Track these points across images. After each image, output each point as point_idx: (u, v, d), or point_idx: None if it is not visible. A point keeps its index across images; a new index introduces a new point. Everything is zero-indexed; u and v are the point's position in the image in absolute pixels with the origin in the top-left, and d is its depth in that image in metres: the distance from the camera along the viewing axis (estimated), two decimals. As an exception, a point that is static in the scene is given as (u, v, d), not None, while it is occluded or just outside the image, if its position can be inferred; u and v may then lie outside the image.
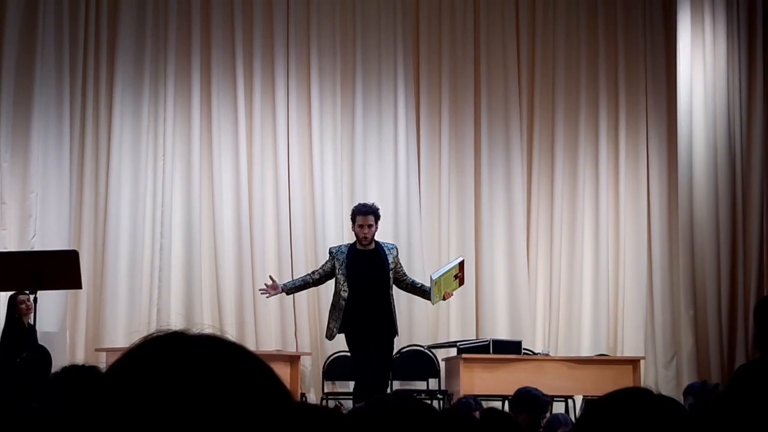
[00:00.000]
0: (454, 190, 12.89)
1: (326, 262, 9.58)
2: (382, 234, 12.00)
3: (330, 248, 9.83)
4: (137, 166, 12.17)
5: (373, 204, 9.66)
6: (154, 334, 1.20)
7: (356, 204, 9.78)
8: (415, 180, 12.76)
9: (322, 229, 12.38)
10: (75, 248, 10.74)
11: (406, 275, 9.66)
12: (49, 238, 11.54)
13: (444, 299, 9.61)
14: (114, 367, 1.17)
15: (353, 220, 9.45)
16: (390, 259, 9.43)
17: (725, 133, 12.31)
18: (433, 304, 9.75)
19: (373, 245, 9.45)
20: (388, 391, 9.91)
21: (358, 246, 9.43)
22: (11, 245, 11.35)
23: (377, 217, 9.49)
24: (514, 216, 12.90)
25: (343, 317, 9.24)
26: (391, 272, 9.39)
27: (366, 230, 9.34)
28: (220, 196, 12.29)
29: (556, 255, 12.98)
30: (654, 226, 13.10)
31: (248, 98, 12.55)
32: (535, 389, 7.20)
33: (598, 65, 13.31)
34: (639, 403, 1.99)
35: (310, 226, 12.44)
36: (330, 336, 9.48)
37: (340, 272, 9.33)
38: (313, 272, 9.74)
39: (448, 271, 9.57)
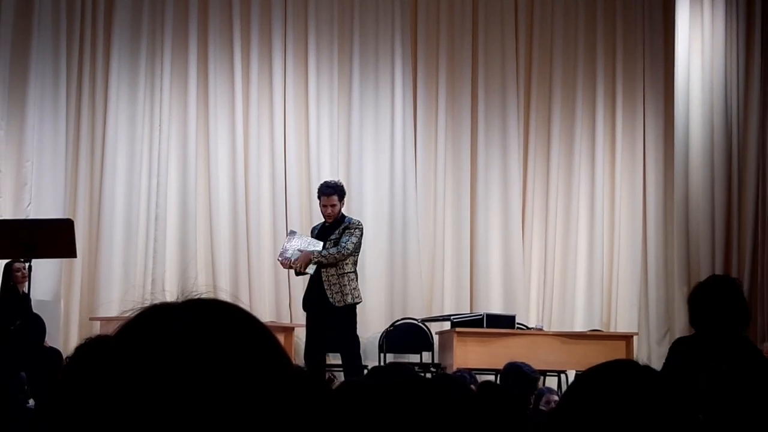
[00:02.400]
0: (450, 165, 12.88)
1: None
2: (378, 209, 12.06)
3: (313, 227, 10.26)
4: (133, 135, 12.16)
5: (337, 182, 9.98)
6: (142, 308, 1.20)
7: (320, 183, 10.09)
8: (411, 153, 12.75)
9: (316, 200, 12.35)
10: (70, 217, 10.74)
11: (340, 245, 9.71)
12: (44, 207, 11.53)
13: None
14: (113, 339, 1.17)
15: (319, 199, 9.84)
16: (337, 232, 9.72)
17: (722, 110, 12.31)
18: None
19: (334, 222, 9.83)
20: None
21: (326, 223, 9.87)
22: (6, 213, 11.34)
23: (341, 196, 9.81)
24: (509, 190, 12.90)
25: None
26: (328, 243, 9.66)
27: (329, 210, 9.76)
28: (216, 166, 12.28)
29: (551, 230, 12.99)
30: (649, 202, 13.10)
31: (245, 69, 12.52)
32: (525, 365, 7.20)
33: (595, 42, 13.29)
34: (625, 375, 2.00)
35: (306, 198, 12.43)
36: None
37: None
38: None
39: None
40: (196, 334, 1.14)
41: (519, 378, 6.95)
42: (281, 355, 1.19)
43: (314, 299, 9.73)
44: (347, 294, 9.66)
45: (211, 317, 1.18)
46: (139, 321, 1.17)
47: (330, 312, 9.62)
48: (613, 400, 1.96)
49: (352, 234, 9.75)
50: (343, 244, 9.66)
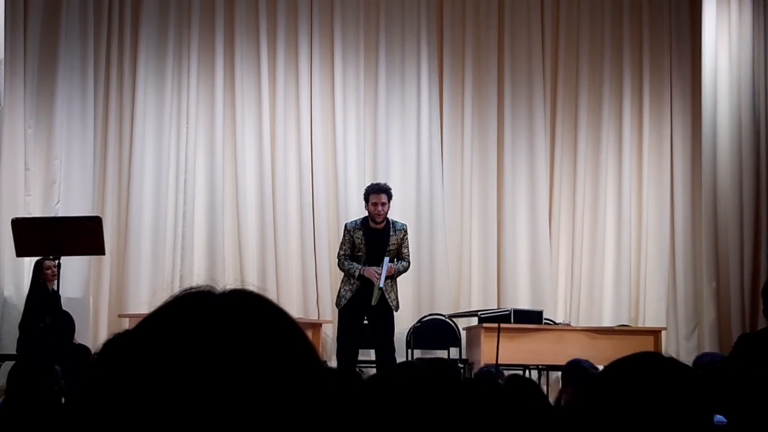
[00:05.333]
0: (477, 160, 12.87)
1: (347, 239, 10.03)
2: (405, 204, 12.05)
3: (345, 224, 10.28)
4: (161, 133, 12.20)
5: (385, 183, 10.06)
6: (182, 293, 1.20)
7: (369, 184, 10.19)
8: (437, 149, 12.74)
9: (344, 196, 12.39)
10: (99, 214, 10.78)
11: (404, 258, 10.03)
12: (73, 204, 11.58)
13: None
14: (141, 326, 1.17)
15: (366, 199, 9.91)
16: (393, 240, 9.89)
17: (749, 104, 12.23)
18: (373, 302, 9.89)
19: (383, 224, 9.93)
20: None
21: (371, 223, 9.88)
22: (35, 211, 11.40)
23: (389, 196, 9.95)
24: (536, 185, 12.87)
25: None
26: (389, 253, 9.89)
27: (379, 208, 9.83)
28: (243, 163, 12.31)
29: (578, 225, 12.96)
30: (677, 197, 13.05)
31: (271, 66, 12.54)
32: (585, 361, 7.16)
33: (622, 36, 13.24)
34: (651, 367, 2.01)
35: (333, 193, 12.45)
36: (340, 303, 10.01)
37: (362, 244, 9.88)
38: (347, 256, 9.96)
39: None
40: (233, 321, 1.15)
41: (578, 373, 6.92)
42: (312, 350, 1.20)
43: (366, 300, 9.79)
44: (397, 295, 10.04)
45: (249, 306, 1.18)
46: (176, 304, 1.18)
47: (383, 312, 9.83)
48: (638, 392, 1.96)
49: (406, 240, 10.04)
50: (406, 256, 10.08)
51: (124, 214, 12.02)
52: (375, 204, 9.82)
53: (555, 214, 12.97)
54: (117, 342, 1.17)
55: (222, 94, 12.36)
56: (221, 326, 1.14)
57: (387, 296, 9.85)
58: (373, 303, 9.76)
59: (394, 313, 10.04)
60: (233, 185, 12.31)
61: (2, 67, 10.62)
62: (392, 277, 9.93)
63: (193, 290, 1.20)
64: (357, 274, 9.75)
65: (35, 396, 5.61)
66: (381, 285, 9.73)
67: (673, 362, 2.05)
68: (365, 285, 9.78)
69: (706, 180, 12.45)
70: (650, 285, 12.85)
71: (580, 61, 13.19)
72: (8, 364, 9.97)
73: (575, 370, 6.98)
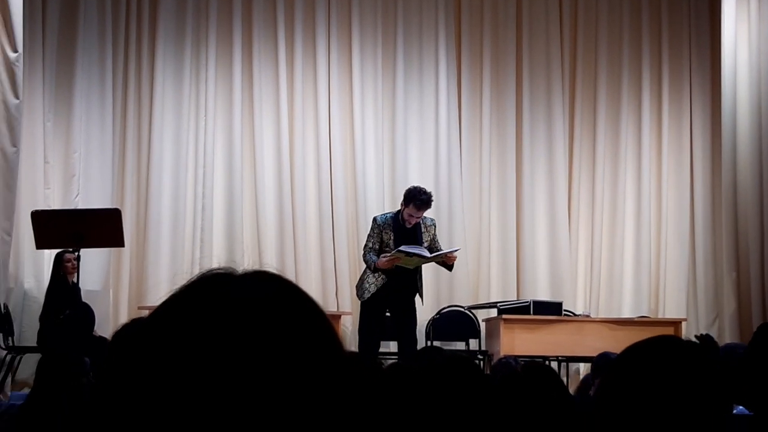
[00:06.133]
0: (495, 152, 12.85)
1: (375, 234, 9.74)
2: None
3: (375, 217, 9.98)
4: (179, 126, 12.23)
5: (430, 195, 9.62)
6: (201, 274, 1.19)
7: (417, 189, 9.67)
8: (456, 141, 12.72)
9: (363, 188, 12.39)
10: (118, 207, 10.80)
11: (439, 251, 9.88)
12: (92, 198, 11.62)
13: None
14: (161, 307, 1.16)
15: (407, 203, 9.57)
16: (426, 237, 9.71)
17: (770, 94, 12.17)
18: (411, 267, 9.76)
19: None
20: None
21: (401, 221, 9.65)
22: (55, 204, 11.44)
23: (429, 208, 9.69)
24: (555, 177, 12.84)
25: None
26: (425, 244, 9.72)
27: (414, 219, 9.60)
28: (262, 155, 12.32)
29: (597, 216, 12.93)
30: (697, 187, 13.01)
31: (290, 58, 12.55)
32: (613, 354, 7.14)
33: (641, 30, 13.21)
34: (669, 350, 2.00)
35: (351, 185, 12.45)
36: (363, 296, 9.78)
37: (391, 241, 9.61)
38: (374, 249, 9.74)
39: (414, 254, 9.57)
40: (254, 303, 1.13)
41: (607, 365, 6.90)
42: (334, 333, 1.19)
43: (399, 293, 9.67)
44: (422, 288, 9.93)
45: (270, 287, 1.17)
46: (196, 286, 1.17)
47: (407, 305, 9.74)
48: (657, 375, 1.95)
49: (436, 234, 9.92)
50: (440, 246, 9.92)
51: (144, 207, 12.05)
52: (411, 215, 9.54)
53: (574, 206, 12.94)
54: (132, 328, 1.16)
55: (240, 86, 12.37)
56: (243, 308, 1.12)
57: (420, 289, 9.79)
58: (410, 267, 9.62)
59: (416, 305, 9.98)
60: (252, 177, 12.32)
61: (21, 60, 10.65)
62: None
63: (213, 272, 1.19)
64: (373, 267, 9.62)
65: (63, 388, 5.63)
66: (427, 255, 9.59)
67: (691, 345, 2.04)
68: (390, 279, 9.61)
69: (725, 170, 12.39)
70: (670, 276, 12.81)
71: (598, 53, 13.15)
72: (31, 356, 10.06)
73: (603, 363, 6.96)
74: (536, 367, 2.96)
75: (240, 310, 1.11)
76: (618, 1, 13.23)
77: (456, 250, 10.07)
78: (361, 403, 1.15)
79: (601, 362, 7.02)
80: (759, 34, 12.22)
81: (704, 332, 7.22)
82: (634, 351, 2.04)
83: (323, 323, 1.17)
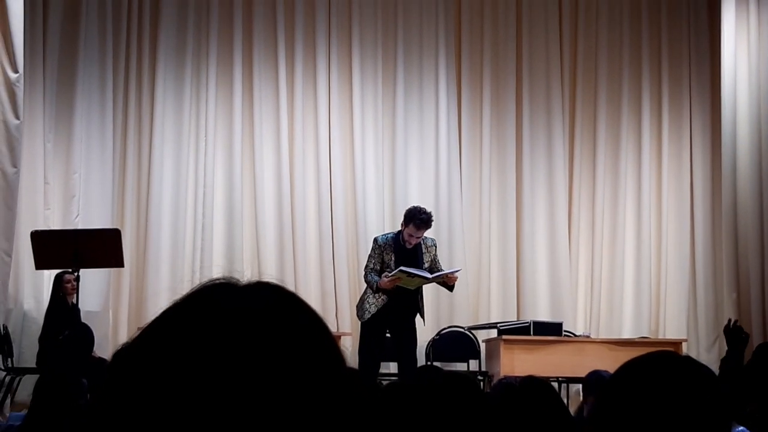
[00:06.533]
0: (495, 172, 12.85)
1: (376, 254, 9.69)
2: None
3: (376, 238, 9.94)
4: (179, 147, 12.23)
5: (430, 215, 9.60)
6: (203, 284, 1.18)
7: (417, 208, 9.64)
8: (456, 160, 12.73)
9: (363, 208, 12.39)
10: (117, 227, 10.80)
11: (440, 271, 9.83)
12: (92, 218, 11.62)
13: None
14: (161, 316, 1.15)
15: (407, 222, 9.54)
16: (426, 258, 9.66)
17: (769, 113, 12.17)
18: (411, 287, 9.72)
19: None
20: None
21: (401, 241, 9.62)
22: (55, 225, 11.43)
23: (429, 228, 9.65)
24: (555, 196, 12.85)
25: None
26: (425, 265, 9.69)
27: (414, 240, 9.56)
28: (262, 176, 12.32)
29: (597, 236, 12.92)
30: (697, 207, 13.01)
31: (290, 77, 12.57)
32: (604, 371, 7.14)
33: (641, 46, 13.24)
34: (667, 365, 1.99)
35: (351, 205, 12.45)
36: (363, 317, 9.71)
37: (392, 261, 9.55)
38: (375, 269, 9.68)
39: (415, 275, 9.53)
40: (258, 312, 1.12)
41: (600, 384, 6.89)
42: (336, 346, 1.18)
43: (399, 313, 9.62)
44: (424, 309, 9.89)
45: (274, 297, 1.16)
46: (198, 294, 1.16)
47: (407, 325, 9.69)
48: (654, 391, 1.95)
49: (437, 255, 9.86)
50: (441, 267, 9.86)
51: (143, 227, 12.04)
52: (411, 235, 9.50)
53: (574, 225, 12.94)
54: (132, 345, 1.14)
55: (240, 106, 12.39)
56: (244, 317, 1.11)
57: (420, 305, 9.75)
58: (411, 288, 9.59)
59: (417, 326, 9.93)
60: (252, 198, 12.32)
61: (21, 81, 10.67)
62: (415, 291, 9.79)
63: (215, 281, 1.18)
64: (375, 287, 9.58)
65: (60, 409, 5.61)
66: (428, 276, 9.55)
67: (689, 361, 2.03)
68: (391, 299, 9.57)
69: (725, 190, 12.38)
70: (670, 296, 12.80)
71: (598, 71, 13.17)
72: (30, 377, 10.03)
73: (596, 381, 6.95)
74: (534, 382, 2.95)
75: (241, 320, 1.10)
76: (618, 17, 13.26)
77: (457, 271, 10.06)
78: (360, 418, 1.14)
79: (593, 380, 7.01)
80: (759, 52, 12.23)
81: (733, 321, 7.20)
82: (632, 367, 2.04)
83: (325, 335, 1.16)
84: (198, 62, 12.42)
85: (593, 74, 13.19)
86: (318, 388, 1.09)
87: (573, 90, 13.22)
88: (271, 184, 12.36)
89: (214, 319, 1.10)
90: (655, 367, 2.01)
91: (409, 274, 9.41)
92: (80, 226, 11.35)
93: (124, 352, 1.14)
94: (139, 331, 1.16)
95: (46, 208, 11.62)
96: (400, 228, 9.71)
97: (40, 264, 9.69)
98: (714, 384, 2.00)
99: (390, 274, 9.41)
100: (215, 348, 1.07)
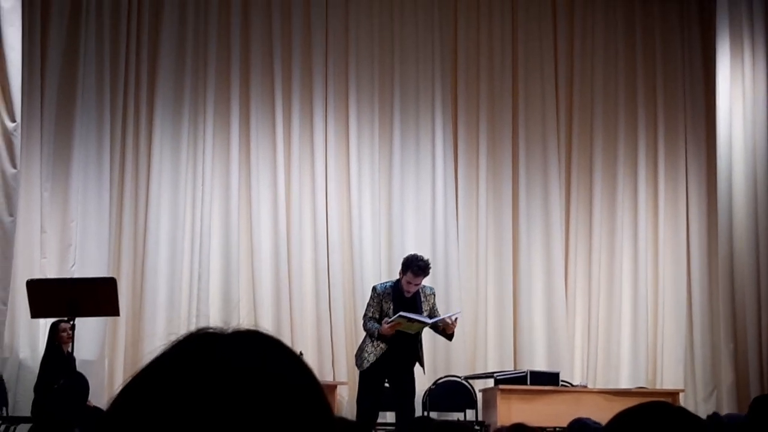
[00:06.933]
0: (492, 221, 12.87)
1: (375, 303, 9.64)
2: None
3: (374, 286, 9.91)
4: (176, 196, 12.24)
5: (428, 262, 9.61)
6: (192, 332, 1.18)
7: (415, 256, 9.64)
8: (452, 210, 12.75)
9: (359, 257, 12.38)
10: (114, 276, 10.79)
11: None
12: (88, 267, 11.60)
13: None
14: (148, 365, 1.15)
15: (405, 270, 9.52)
16: (425, 306, 9.63)
17: (765, 165, 12.19)
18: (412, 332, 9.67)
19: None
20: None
21: (400, 290, 9.58)
22: (51, 273, 11.41)
23: (427, 275, 9.63)
24: (552, 246, 12.86)
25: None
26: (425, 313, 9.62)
27: (413, 287, 9.54)
28: (258, 224, 12.33)
29: (594, 286, 12.92)
30: (693, 258, 13.01)
31: (287, 129, 12.60)
32: (587, 419, 7.14)
33: (636, 98, 13.32)
34: (660, 416, 1.99)
35: (348, 254, 12.44)
36: (362, 365, 9.62)
37: (390, 310, 9.50)
38: (374, 318, 9.64)
39: (414, 319, 9.50)
40: (241, 364, 1.12)
41: (582, 430, 6.90)
42: (324, 396, 1.16)
43: (398, 362, 9.57)
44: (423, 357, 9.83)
45: (259, 348, 1.16)
46: (182, 345, 1.16)
47: (406, 375, 9.63)
48: None
49: (436, 304, 9.81)
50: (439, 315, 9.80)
51: (140, 277, 12.02)
52: (409, 282, 9.48)
53: (571, 275, 12.94)
54: (116, 400, 1.14)
55: (237, 156, 12.41)
56: (229, 368, 1.10)
57: (419, 354, 9.68)
58: (412, 332, 9.56)
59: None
60: (248, 247, 12.32)
61: (19, 130, 10.70)
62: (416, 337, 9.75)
63: (203, 330, 1.18)
64: (376, 334, 9.54)
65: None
66: (428, 320, 9.51)
67: (683, 412, 2.03)
68: (391, 348, 9.50)
69: (722, 241, 12.40)
70: (667, 347, 12.78)
71: (594, 121, 13.23)
72: (25, 427, 9.98)
73: (579, 429, 6.95)
74: (522, 430, 2.95)
75: (225, 373, 1.09)
76: (613, 67, 13.34)
77: (457, 314, 10.00)
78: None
79: (575, 428, 7.01)
80: (753, 101, 12.28)
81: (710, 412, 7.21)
82: (626, 417, 2.04)
83: (312, 385, 1.15)
84: (195, 112, 12.45)
85: (589, 124, 13.25)
86: None
87: (569, 140, 13.26)
88: (267, 233, 12.36)
89: (197, 373, 1.10)
90: (649, 417, 2.01)
91: (409, 319, 9.39)
92: (76, 275, 11.33)
93: (112, 408, 1.14)
94: (125, 383, 1.16)
95: (42, 257, 11.61)
96: (398, 276, 9.70)
97: (36, 313, 9.67)
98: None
99: (389, 320, 9.38)
100: (198, 399, 1.07)
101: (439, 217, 12.66)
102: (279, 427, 1.07)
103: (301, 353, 9.93)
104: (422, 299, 9.65)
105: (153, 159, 12.23)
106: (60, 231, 11.78)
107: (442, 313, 10.08)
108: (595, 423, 7.10)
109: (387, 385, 9.74)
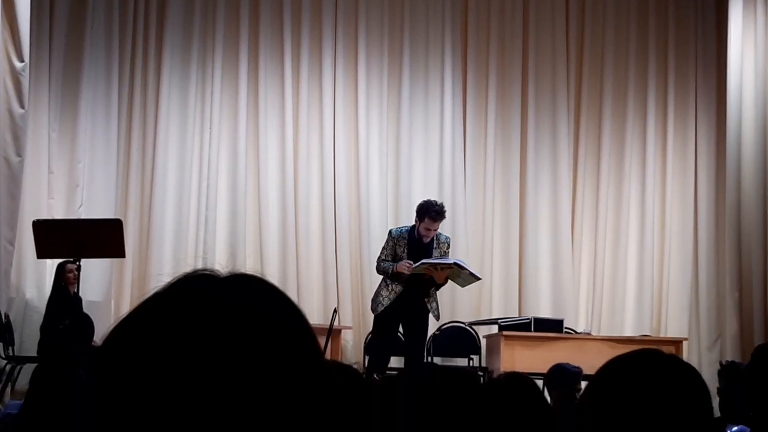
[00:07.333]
0: (499, 167, 12.85)
1: (390, 246, 9.71)
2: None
3: (390, 230, 9.99)
4: (184, 137, 12.24)
5: (443, 206, 9.65)
6: (187, 274, 1.20)
7: (429, 202, 9.69)
8: (460, 156, 12.73)
9: (366, 201, 12.39)
10: (121, 218, 10.82)
11: None
12: (95, 208, 11.63)
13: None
14: (142, 305, 1.17)
15: (422, 217, 9.55)
16: (436, 253, 9.64)
17: (775, 114, 12.15)
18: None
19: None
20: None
21: (416, 235, 9.63)
22: (58, 214, 11.45)
23: (444, 219, 9.66)
24: (559, 194, 12.84)
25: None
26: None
27: (432, 233, 9.58)
28: (266, 169, 12.33)
29: (600, 234, 12.92)
30: (701, 207, 13.00)
31: (295, 70, 12.56)
32: (565, 363, 7.17)
33: (647, 47, 13.23)
34: (651, 363, 1.99)
35: (354, 199, 12.44)
36: (377, 309, 9.68)
37: (404, 254, 9.57)
38: (387, 260, 9.67)
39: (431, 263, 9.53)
40: (233, 303, 1.13)
41: (558, 376, 6.93)
42: (314, 340, 1.18)
43: (413, 305, 9.60)
44: (438, 305, 9.86)
45: (252, 290, 1.17)
46: (177, 284, 1.17)
47: (421, 319, 9.68)
48: (639, 388, 1.95)
49: (448, 253, 9.83)
50: None
51: (147, 218, 12.05)
52: (428, 229, 9.53)
53: (577, 222, 12.94)
54: (110, 337, 1.16)
55: (246, 99, 12.40)
56: (221, 310, 1.12)
57: (429, 304, 9.68)
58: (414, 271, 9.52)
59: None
60: (255, 190, 12.33)
61: (27, 70, 10.69)
62: (437, 287, 9.71)
63: (197, 272, 1.20)
64: (390, 271, 9.56)
65: (57, 399, 5.62)
66: (478, 275, 9.68)
67: (674, 359, 2.04)
68: (406, 290, 9.54)
69: (730, 190, 12.37)
70: (673, 295, 12.79)
71: (604, 68, 13.16)
72: (31, 366, 10.05)
73: (559, 374, 6.98)
74: (516, 379, 2.96)
75: (219, 312, 1.11)
76: (625, 18, 13.25)
77: (478, 280, 10.15)
78: (336, 413, 1.15)
79: (556, 373, 7.03)
80: (765, 52, 12.20)
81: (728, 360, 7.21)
82: (617, 364, 2.04)
83: (303, 329, 1.16)
84: (204, 52, 12.42)
85: (599, 73, 13.18)
86: (291, 381, 1.10)
87: (578, 88, 13.21)
88: (274, 177, 12.36)
89: (191, 312, 1.12)
90: (642, 364, 2.01)
91: (460, 267, 9.48)
92: (84, 216, 11.37)
93: (105, 343, 1.15)
94: (119, 320, 1.18)
95: (49, 197, 11.64)
96: (414, 223, 9.72)
97: (42, 253, 9.71)
98: (700, 384, 2.00)
99: (412, 264, 9.42)
100: (191, 339, 1.09)
101: (447, 163, 12.64)
102: (265, 365, 1.09)
103: (335, 310, 10.02)
104: (435, 245, 9.67)
105: (161, 100, 12.22)
106: (67, 172, 11.79)
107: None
108: (574, 367, 7.13)
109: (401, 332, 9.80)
